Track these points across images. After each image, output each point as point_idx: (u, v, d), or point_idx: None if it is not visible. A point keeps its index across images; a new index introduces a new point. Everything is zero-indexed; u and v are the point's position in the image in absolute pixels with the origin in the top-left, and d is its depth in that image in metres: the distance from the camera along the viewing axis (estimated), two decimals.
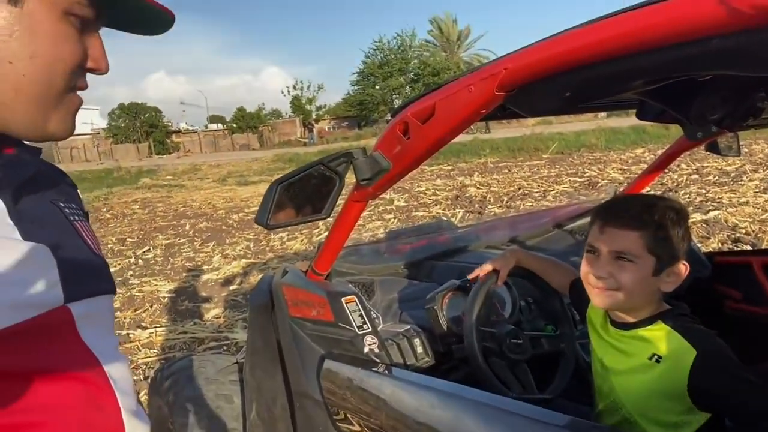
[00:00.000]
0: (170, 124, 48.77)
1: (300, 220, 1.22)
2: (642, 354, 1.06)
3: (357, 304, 1.35)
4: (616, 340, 1.13)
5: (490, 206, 8.04)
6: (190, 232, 8.47)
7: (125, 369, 0.69)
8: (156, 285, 5.49)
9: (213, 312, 4.57)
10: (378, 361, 1.29)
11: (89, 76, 0.65)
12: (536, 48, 0.81)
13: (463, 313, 1.38)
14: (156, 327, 4.29)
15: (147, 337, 4.09)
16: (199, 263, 6.39)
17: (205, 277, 5.73)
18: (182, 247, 7.44)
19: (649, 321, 1.08)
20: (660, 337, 1.04)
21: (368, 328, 1.32)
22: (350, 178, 1.20)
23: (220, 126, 49.72)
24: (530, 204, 7.93)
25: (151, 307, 4.82)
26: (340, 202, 1.26)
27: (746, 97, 1.04)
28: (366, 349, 1.29)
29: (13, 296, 0.55)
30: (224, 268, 5.98)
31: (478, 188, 9.77)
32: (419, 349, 1.37)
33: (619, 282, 1.06)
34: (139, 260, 6.80)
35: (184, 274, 5.92)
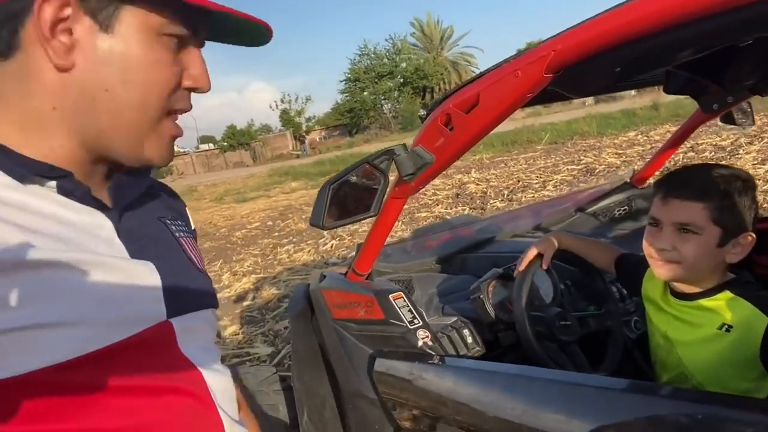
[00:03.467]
0: None
1: (351, 219, 1.23)
2: (711, 324, 1.05)
3: (405, 300, 1.37)
4: (680, 312, 1.13)
5: (491, 201, 8.06)
6: None
7: (227, 381, 0.70)
8: None
9: (230, 329, 4.56)
10: (433, 353, 1.30)
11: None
12: (586, 26, 0.83)
13: (510, 300, 1.40)
14: None
15: None
16: None
17: (217, 295, 5.71)
18: None
19: (715, 291, 1.07)
20: (729, 306, 1.04)
21: (419, 323, 1.33)
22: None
23: (212, 145, 49.74)
24: (531, 196, 7.96)
25: None
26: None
27: None
28: (420, 343, 1.31)
29: (120, 313, 0.57)
30: (235, 285, 5.97)
31: (477, 185, 9.80)
32: (469, 339, 1.39)
33: (683, 254, 1.05)
34: None
35: None
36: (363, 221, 1.27)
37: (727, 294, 1.06)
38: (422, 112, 1.26)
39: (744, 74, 1.07)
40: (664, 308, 1.17)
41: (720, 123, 1.93)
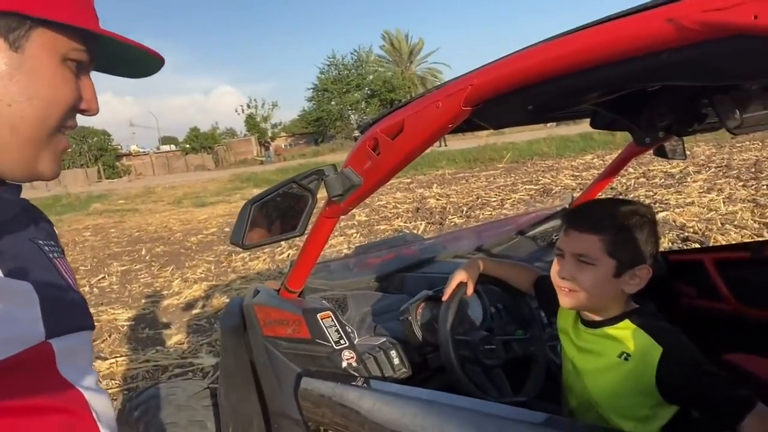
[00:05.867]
0: (120, 147, 47.53)
1: (275, 238, 1.22)
2: (612, 353, 1.10)
3: (332, 320, 1.36)
4: (586, 341, 1.17)
5: (450, 217, 8.14)
6: (147, 257, 8.23)
7: (107, 402, 0.70)
8: (113, 314, 5.31)
9: (176, 338, 4.45)
10: (357, 375, 1.30)
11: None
12: (499, 64, 0.85)
13: (437, 323, 1.41)
14: (116, 357, 4.15)
15: (107, 368, 3.95)
16: (158, 289, 6.22)
17: (165, 302, 5.58)
18: (139, 273, 7.22)
19: (616, 320, 1.12)
20: (628, 335, 1.08)
21: (345, 343, 1.33)
22: (321, 195, 1.22)
23: (173, 147, 48.74)
24: (489, 213, 8.08)
25: (109, 336, 4.66)
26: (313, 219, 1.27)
27: (691, 104, 1.11)
28: (344, 364, 1.30)
29: None
30: (185, 292, 5.83)
31: (437, 200, 9.89)
32: (396, 361, 1.39)
33: (580, 283, 1.10)
34: (94, 289, 6.56)
35: (143, 301, 5.75)
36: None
37: (627, 323, 1.11)
38: (356, 133, 1.27)
39: (657, 116, 1.12)
40: (574, 337, 1.21)
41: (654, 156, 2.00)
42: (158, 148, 49.88)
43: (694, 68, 0.69)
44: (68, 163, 41.98)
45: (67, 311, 0.66)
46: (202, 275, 6.57)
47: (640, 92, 1.07)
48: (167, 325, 4.82)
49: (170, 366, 3.87)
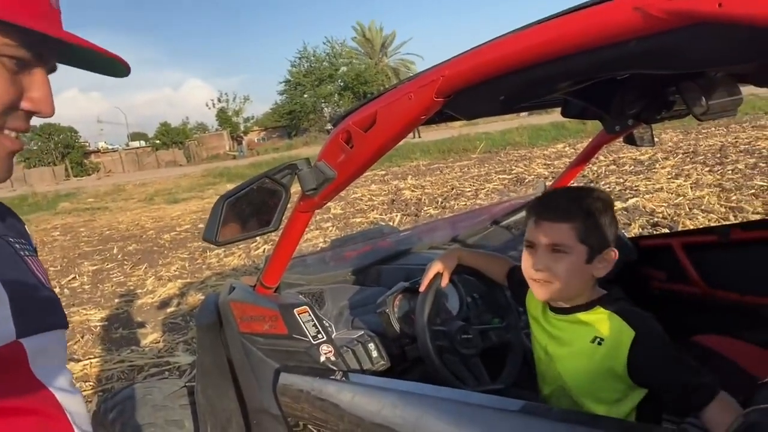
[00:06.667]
0: (87, 144, 46.39)
1: (249, 234, 1.21)
2: (584, 338, 1.12)
3: (310, 315, 1.35)
4: (557, 327, 1.19)
5: (425, 208, 8.18)
6: (119, 256, 8.07)
7: (80, 402, 0.70)
8: (86, 314, 5.20)
9: (151, 337, 4.38)
10: (335, 369, 1.29)
11: None
12: (470, 55, 0.85)
13: (414, 314, 1.41)
14: (90, 358, 4.06)
15: (81, 370, 3.87)
16: (132, 288, 6.11)
17: (139, 301, 5.49)
18: (111, 272, 7.09)
19: (587, 306, 1.14)
20: (601, 320, 1.11)
21: (323, 337, 1.32)
22: (295, 189, 1.20)
23: (143, 143, 47.71)
24: (464, 203, 8.14)
25: (82, 338, 4.56)
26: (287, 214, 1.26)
27: (659, 92, 1.13)
28: (322, 358, 1.30)
29: None
30: (159, 290, 5.75)
31: (412, 191, 9.92)
32: (374, 353, 1.39)
33: (556, 273, 1.12)
34: (65, 290, 6.41)
35: (116, 301, 5.64)
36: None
37: (599, 309, 1.13)
38: (329, 126, 1.26)
39: (626, 104, 1.14)
40: (544, 324, 1.23)
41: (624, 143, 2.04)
42: (127, 145, 48.67)
43: (661, 56, 0.70)
44: (34, 161, 40.76)
45: (38, 310, 0.65)
46: (177, 273, 6.48)
47: (609, 81, 1.08)
48: (142, 325, 4.75)
49: (146, 366, 3.81)
